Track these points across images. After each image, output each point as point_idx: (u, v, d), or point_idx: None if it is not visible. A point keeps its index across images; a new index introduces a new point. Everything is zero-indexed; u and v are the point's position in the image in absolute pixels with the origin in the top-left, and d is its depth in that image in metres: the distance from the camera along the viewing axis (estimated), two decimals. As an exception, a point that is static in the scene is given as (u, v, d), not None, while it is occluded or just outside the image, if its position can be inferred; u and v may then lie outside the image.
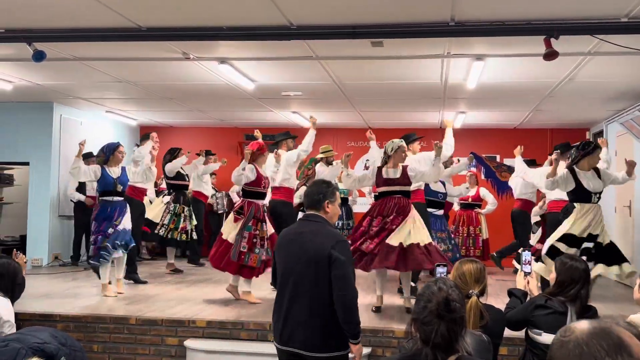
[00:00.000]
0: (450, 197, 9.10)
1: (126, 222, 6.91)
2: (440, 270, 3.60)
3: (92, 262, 6.77)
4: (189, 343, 5.44)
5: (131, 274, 7.64)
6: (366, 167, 10.87)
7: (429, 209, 7.62)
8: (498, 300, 5.81)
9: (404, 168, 6.19)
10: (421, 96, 8.50)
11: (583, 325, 1.37)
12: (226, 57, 6.59)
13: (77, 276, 8.36)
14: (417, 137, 7.64)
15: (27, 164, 9.83)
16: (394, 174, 6.11)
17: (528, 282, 4.01)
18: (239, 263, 6.40)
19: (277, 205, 7.21)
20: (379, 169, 6.20)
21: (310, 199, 3.57)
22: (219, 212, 11.27)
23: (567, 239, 6.12)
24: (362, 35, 5.38)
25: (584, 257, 5.71)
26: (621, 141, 8.94)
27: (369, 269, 5.99)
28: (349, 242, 6.07)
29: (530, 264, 4.08)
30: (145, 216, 8.71)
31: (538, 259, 6.35)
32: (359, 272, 9.38)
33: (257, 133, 7.64)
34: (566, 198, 6.58)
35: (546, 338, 3.56)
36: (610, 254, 6.17)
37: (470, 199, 9.76)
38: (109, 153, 6.90)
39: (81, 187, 9.65)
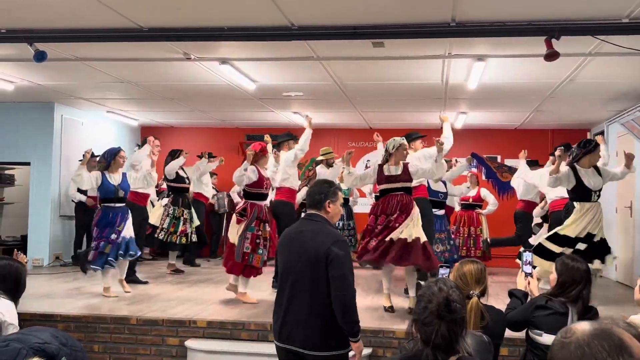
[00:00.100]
0: (452, 195, 9.10)
1: (129, 230, 6.92)
2: (443, 272, 3.59)
3: (92, 266, 6.70)
4: (189, 343, 5.45)
5: (131, 277, 7.63)
6: (367, 167, 10.87)
7: (429, 209, 7.61)
8: (498, 300, 5.81)
9: (405, 165, 6.20)
10: (422, 97, 8.50)
11: (584, 326, 1.37)
12: (227, 57, 6.60)
13: (78, 276, 8.35)
14: (420, 136, 7.64)
15: (28, 164, 9.84)
16: (395, 171, 6.12)
17: (529, 283, 4.01)
18: (243, 264, 6.41)
19: (277, 205, 7.25)
20: (380, 166, 6.20)
21: (312, 199, 3.58)
22: (220, 212, 11.28)
23: (558, 239, 6.17)
24: (363, 35, 5.39)
25: None
26: (622, 142, 8.93)
27: (379, 264, 5.98)
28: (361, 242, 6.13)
29: (531, 265, 4.08)
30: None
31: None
32: (359, 272, 9.40)
33: (267, 138, 7.67)
34: (567, 196, 6.61)
35: (547, 339, 3.55)
36: (601, 250, 6.28)
37: (471, 200, 9.75)
38: (110, 158, 6.91)
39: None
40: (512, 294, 4.03)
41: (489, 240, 9.13)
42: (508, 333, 3.65)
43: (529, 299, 3.90)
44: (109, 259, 6.68)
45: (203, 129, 12.16)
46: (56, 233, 9.84)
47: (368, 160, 11.41)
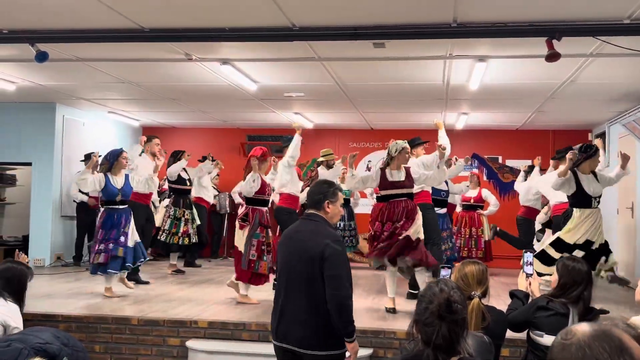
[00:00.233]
0: (452, 194, 9.10)
1: (135, 234, 6.96)
2: (444, 273, 3.59)
3: (110, 270, 6.65)
4: (190, 344, 5.45)
5: (133, 276, 7.65)
6: (368, 169, 10.89)
7: (430, 208, 7.61)
8: (499, 301, 5.81)
9: (407, 170, 6.20)
10: (423, 97, 8.50)
11: (584, 327, 1.37)
12: (228, 58, 6.60)
13: (79, 276, 8.36)
14: (422, 142, 7.64)
15: (29, 164, 9.85)
16: (399, 176, 6.11)
17: (530, 284, 4.00)
18: (250, 271, 6.41)
19: (278, 212, 7.36)
20: (382, 170, 6.19)
21: (311, 199, 3.60)
22: (221, 212, 11.29)
23: (558, 244, 6.16)
24: (364, 36, 5.39)
25: None
26: (623, 143, 8.93)
27: (390, 258, 6.01)
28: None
29: (532, 265, 4.08)
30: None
31: None
32: (360, 272, 9.43)
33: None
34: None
35: (548, 340, 3.55)
36: (601, 255, 6.25)
37: (472, 201, 9.76)
38: (113, 159, 6.91)
39: (83, 188, 9.67)
40: (513, 294, 4.02)
41: (498, 229, 9.07)
42: (509, 334, 3.65)
43: (530, 299, 3.90)
44: (127, 264, 6.76)
45: (204, 129, 12.17)
46: (57, 233, 9.85)
47: (369, 161, 11.42)
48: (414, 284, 6.76)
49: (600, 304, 4.03)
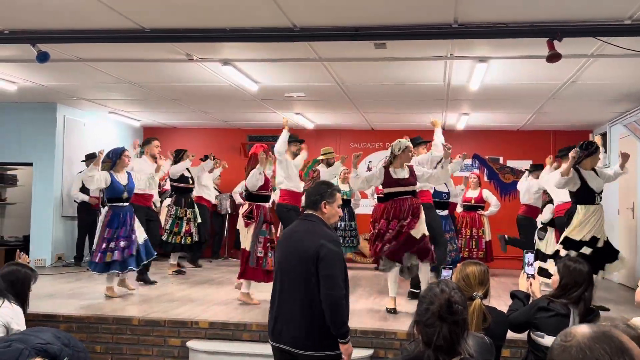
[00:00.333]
0: (452, 196, 9.10)
1: (142, 231, 7.02)
2: (445, 274, 3.59)
3: (131, 267, 6.82)
4: (191, 344, 5.45)
5: (142, 275, 7.65)
6: (369, 169, 10.88)
7: (432, 210, 7.62)
8: (500, 301, 5.81)
9: (410, 167, 6.22)
10: (424, 98, 8.50)
11: (583, 329, 1.37)
12: (229, 58, 6.60)
13: (80, 277, 8.37)
14: (424, 141, 7.63)
15: (30, 164, 9.86)
16: (403, 174, 6.14)
17: (531, 284, 4.00)
18: (260, 269, 6.40)
19: (277, 208, 7.35)
20: (386, 168, 6.21)
21: (309, 200, 3.62)
22: (222, 212, 11.29)
23: (566, 243, 6.20)
24: (365, 37, 5.39)
25: None
26: (624, 143, 8.92)
27: (396, 257, 6.04)
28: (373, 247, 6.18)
29: (532, 266, 4.07)
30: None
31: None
32: (361, 273, 9.42)
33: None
34: (569, 200, 6.63)
35: (549, 340, 3.55)
36: (607, 254, 6.31)
37: (473, 201, 9.76)
38: (116, 158, 6.91)
39: (84, 188, 9.66)
40: (514, 295, 4.02)
41: (506, 237, 9.07)
42: (510, 334, 3.65)
43: (531, 300, 3.90)
44: (142, 260, 6.91)
45: (205, 129, 12.18)
46: (58, 233, 9.86)
47: (370, 162, 11.42)
48: (415, 283, 6.77)
49: (600, 304, 4.03)
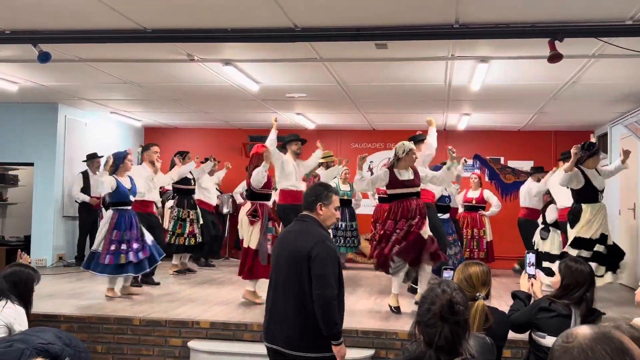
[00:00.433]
0: (453, 197, 9.11)
1: (147, 234, 7.02)
2: (447, 275, 3.59)
3: (151, 267, 6.90)
4: (192, 344, 5.45)
5: (148, 277, 7.63)
6: (370, 170, 10.88)
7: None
8: (501, 302, 5.81)
9: (414, 169, 6.26)
10: (425, 98, 8.50)
11: (584, 330, 1.37)
12: (230, 58, 6.61)
13: (81, 277, 8.36)
14: (425, 138, 7.63)
15: (31, 164, 9.87)
16: (408, 176, 6.18)
17: (532, 285, 4.00)
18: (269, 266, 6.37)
19: (277, 209, 7.34)
20: (391, 170, 6.22)
21: (305, 201, 3.63)
22: (223, 213, 11.29)
23: (577, 243, 6.26)
24: (366, 37, 5.39)
25: (596, 263, 6.01)
26: (625, 143, 8.90)
27: (407, 258, 6.05)
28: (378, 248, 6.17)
29: (534, 266, 4.07)
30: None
31: None
32: (362, 273, 9.41)
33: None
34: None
35: (550, 341, 3.54)
36: (615, 256, 6.40)
37: (474, 201, 9.76)
38: (119, 162, 6.89)
39: (85, 188, 9.67)
40: (515, 295, 4.02)
41: (517, 267, 9.38)
42: (511, 335, 3.65)
43: (532, 300, 3.89)
44: (157, 262, 6.96)
45: (206, 129, 12.18)
46: (59, 233, 9.86)
47: (371, 162, 11.41)
48: (416, 278, 6.80)
49: (601, 304, 4.02)
